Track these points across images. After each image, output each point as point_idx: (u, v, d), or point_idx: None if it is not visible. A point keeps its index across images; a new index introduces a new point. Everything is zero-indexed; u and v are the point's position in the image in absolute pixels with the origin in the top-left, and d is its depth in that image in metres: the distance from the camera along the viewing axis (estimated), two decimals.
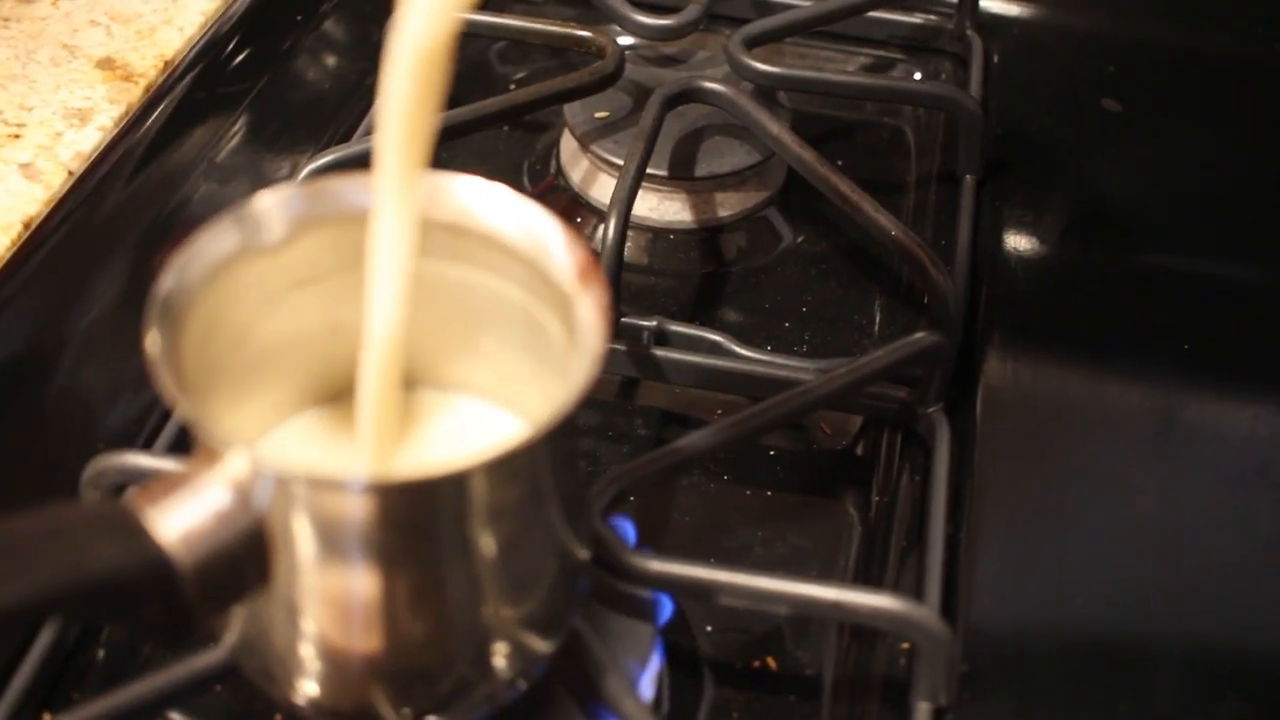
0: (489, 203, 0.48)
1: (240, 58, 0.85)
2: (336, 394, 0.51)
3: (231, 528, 0.41)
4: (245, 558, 0.42)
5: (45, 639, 0.57)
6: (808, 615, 0.59)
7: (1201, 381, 0.71)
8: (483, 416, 0.52)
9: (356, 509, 0.41)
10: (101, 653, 0.58)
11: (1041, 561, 0.62)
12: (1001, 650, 0.59)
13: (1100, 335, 0.73)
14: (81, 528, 0.40)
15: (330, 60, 0.90)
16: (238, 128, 0.81)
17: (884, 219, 0.69)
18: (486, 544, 0.43)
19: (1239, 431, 0.69)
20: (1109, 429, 0.68)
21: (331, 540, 0.42)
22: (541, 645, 0.48)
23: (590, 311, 0.45)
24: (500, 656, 0.47)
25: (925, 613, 0.54)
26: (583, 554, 0.50)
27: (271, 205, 0.47)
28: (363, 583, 0.42)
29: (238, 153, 0.80)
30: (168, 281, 0.44)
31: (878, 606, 0.54)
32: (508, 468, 0.42)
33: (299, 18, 0.90)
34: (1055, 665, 0.58)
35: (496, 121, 0.77)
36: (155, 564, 0.40)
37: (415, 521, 0.42)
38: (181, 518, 0.41)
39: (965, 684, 0.57)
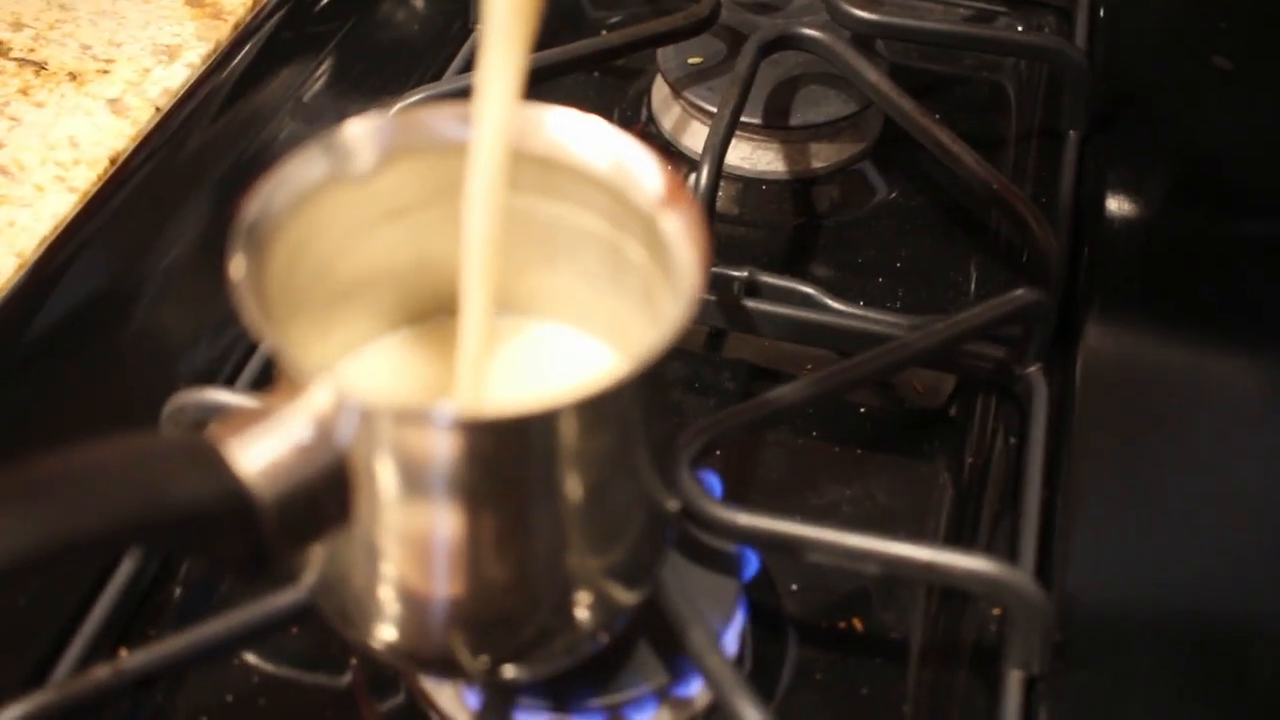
0: (581, 135, 0.46)
1: None
2: (420, 319, 0.50)
3: (313, 462, 0.40)
4: (326, 493, 0.41)
5: (123, 574, 0.56)
6: (898, 576, 0.57)
7: None
8: (574, 345, 0.51)
9: (443, 445, 0.39)
10: (178, 590, 0.58)
11: (1140, 531, 0.60)
12: (1096, 621, 0.57)
13: (1205, 301, 0.70)
14: (161, 458, 0.39)
15: (419, 2, 0.89)
16: (324, 68, 0.80)
17: (984, 171, 0.67)
18: (574, 486, 0.42)
19: None
20: (1212, 398, 0.66)
21: (415, 477, 0.40)
22: (625, 596, 0.47)
23: (686, 250, 0.43)
24: (583, 606, 0.45)
25: (1020, 577, 0.53)
26: (670, 504, 0.48)
27: (361, 134, 0.46)
28: (446, 522, 0.41)
29: (324, 93, 0.79)
30: (253, 208, 0.43)
31: (972, 569, 0.52)
32: (600, 406, 0.40)
33: None
34: (1151, 638, 0.56)
35: (588, 64, 0.75)
36: (234, 496, 0.39)
37: (503, 460, 0.40)
38: (262, 451, 0.40)
39: (1059, 653, 0.55)
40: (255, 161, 0.74)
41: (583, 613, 0.45)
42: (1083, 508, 0.60)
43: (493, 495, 0.41)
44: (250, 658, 0.55)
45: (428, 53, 0.85)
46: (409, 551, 0.42)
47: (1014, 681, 0.54)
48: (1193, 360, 0.68)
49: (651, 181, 0.45)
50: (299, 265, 0.44)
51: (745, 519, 0.53)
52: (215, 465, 0.39)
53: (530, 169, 0.47)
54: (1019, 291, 0.63)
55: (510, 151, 0.43)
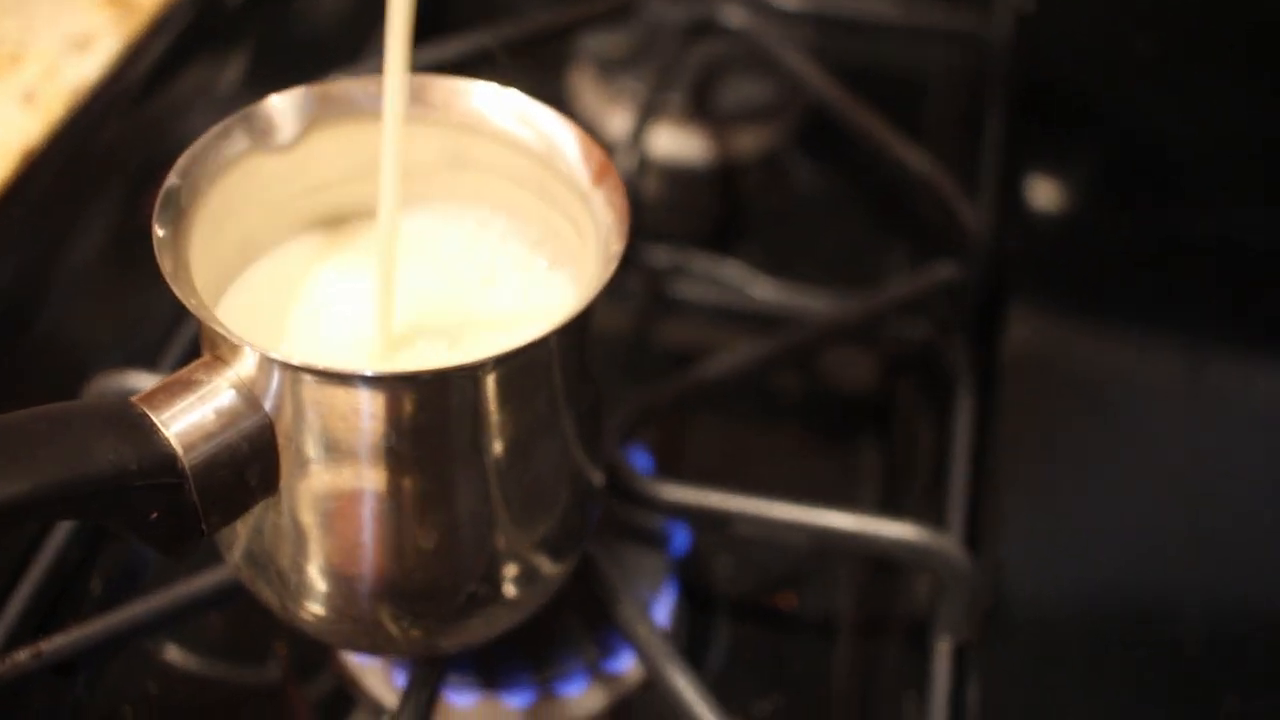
0: (503, 107, 0.46)
1: None
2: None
3: (237, 426, 0.40)
4: (251, 459, 0.40)
5: (41, 564, 0.55)
6: (827, 547, 0.57)
7: (1231, 336, 0.69)
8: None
9: (366, 403, 0.39)
10: (99, 579, 0.57)
11: (1064, 507, 0.61)
12: (1024, 590, 0.57)
13: (1131, 285, 0.71)
14: (84, 423, 0.38)
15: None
16: (239, 59, 0.79)
17: (908, 152, 0.67)
18: (498, 449, 0.42)
19: (1268, 387, 0.67)
20: (1137, 381, 0.67)
21: (340, 439, 0.40)
22: (552, 567, 0.46)
23: (608, 212, 0.43)
24: (510, 575, 0.45)
25: (948, 542, 0.53)
26: (597, 477, 0.48)
27: (282, 107, 0.45)
28: (371, 486, 0.41)
29: (239, 84, 0.78)
30: (175, 177, 0.42)
31: (900, 536, 0.52)
32: (522, 364, 0.40)
33: None
34: (1077, 610, 0.57)
35: (509, 51, 0.75)
36: (161, 460, 0.38)
37: (424, 418, 0.40)
38: (186, 416, 0.39)
39: (989, 621, 0.55)
40: (170, 155, 0.73)
41: (510, 582, 0.45)
42: (1010, 483, 0.60)
43: (416, 455, 0.41)
44: (175, 649, 0.55)
45: (343, 42, 0.84)
46: (335, 519, 0.42)
47: (944, 650, 0.54)
48: (1117, 345, 0.68)
49: (572, 149, 0.45)
50: (221, 236, 0.44)
51: (673, 492, 0.53)
52: (141, 429, 0.38)
53: (452, 139, 0.46)
54: (939, 266, 0.63)
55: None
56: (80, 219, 0.68)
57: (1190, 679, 0.55)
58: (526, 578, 0.45)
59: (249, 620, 0.55)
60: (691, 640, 0.56)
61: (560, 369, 0.42)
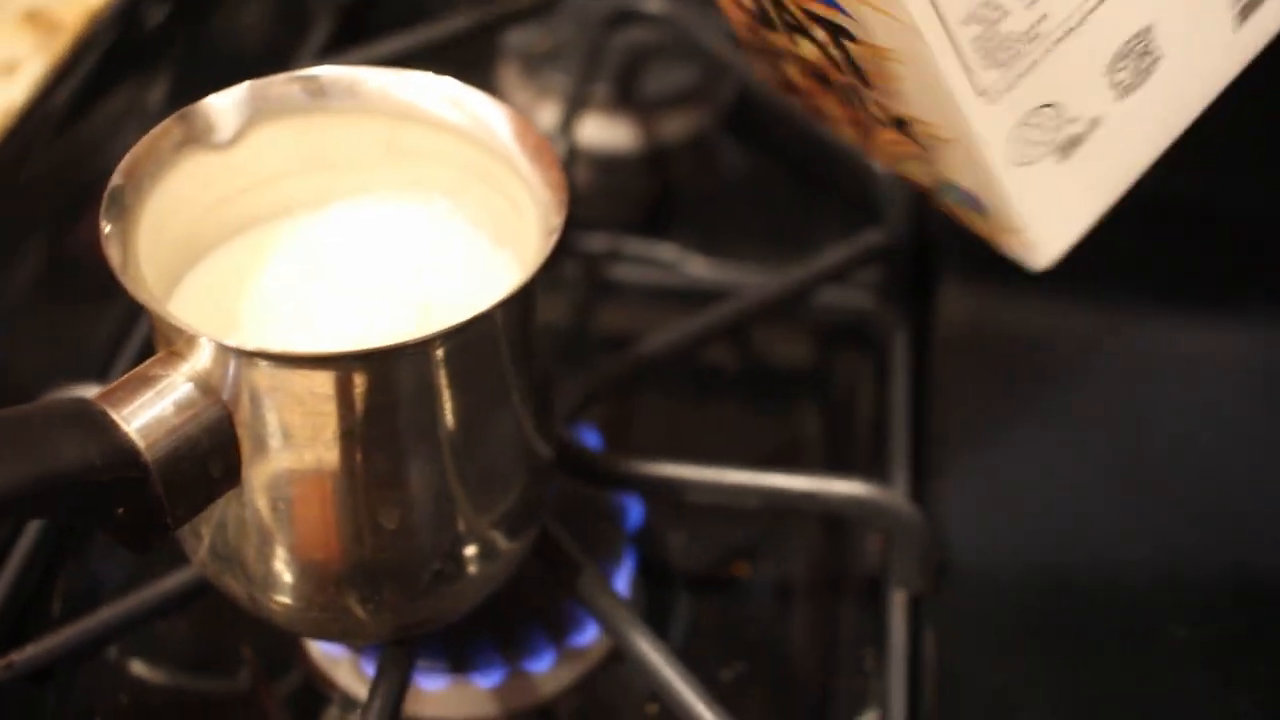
0: (436, 94, 0.48)
1: (167, 6, 0.83)
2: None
3: (197, 419, 0.40)
4: (213, 451, 0.41)
5: (7, 575, 0.55)
6: (778, 507, 0.58)
7: (1160, 295, 0.71)
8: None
9: (319, 384, 0.40)
10: (63, 593, 0.57)
11: (1005, 460, 0.62)
12: (971, 544, 0.59)
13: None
14: (46, 422, 0.39)
15: (257, 10, 0.89)
16: (165, 76, 0.80)
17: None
18: (452, 425, 0.43)
19: (1195, 343, 0.69)
20: (1067, 340, 0.68)
21: (296, 425, 0.41)
22: (511, 543, 0.47)
23: (545, 189, 0.44)
24: (472, 553, 0.46)
25: (895, 496, 0.54)
26: (549, 454, 0.49)
27: (221, 105, 0.46)
28: (330, 468, 0.42)
29: (167, 104, 0.79)
30: (118, 176, 0.43)
31: (849, 493, 0.54)
32: (469, 337, 0.41)
33: None
34: (1024, 556, 0.59)
35: (432, 51, 0.76)
36: (122, 455, 0.39)
37: (378, 396, 0.41)
38: (146, 411, 0.40)
39: (939, 573, 0.57)
40: (102, 176, 0.73)
41: (472, 558, 0.46)
42: (947, 441, 0.62)
43: (372, 435, 0.42)
44: (145, 657, 0.55)
45: (268, 60, 0.84)
46: (297, 505, 0.43)
47: (899, 602, 0.55)
48: (1045, 301, 0.70)
49: (505, 130, 0.46)
50: (166, 235, 0.45)
51: (623, 464, 0.54)
52: (102, 425, 0.39)
53: (388, 130, 0.48)
54: (865, 234, 0.64)
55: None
56: (12, 245, 0.68)
57: (1133, 613, 0.57)
58: (488, 554, 0.46)
59: (217, 625, 0.55)
60: (651, 614, 0.57)
61: (507, 344, 0.44)
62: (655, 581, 0.58)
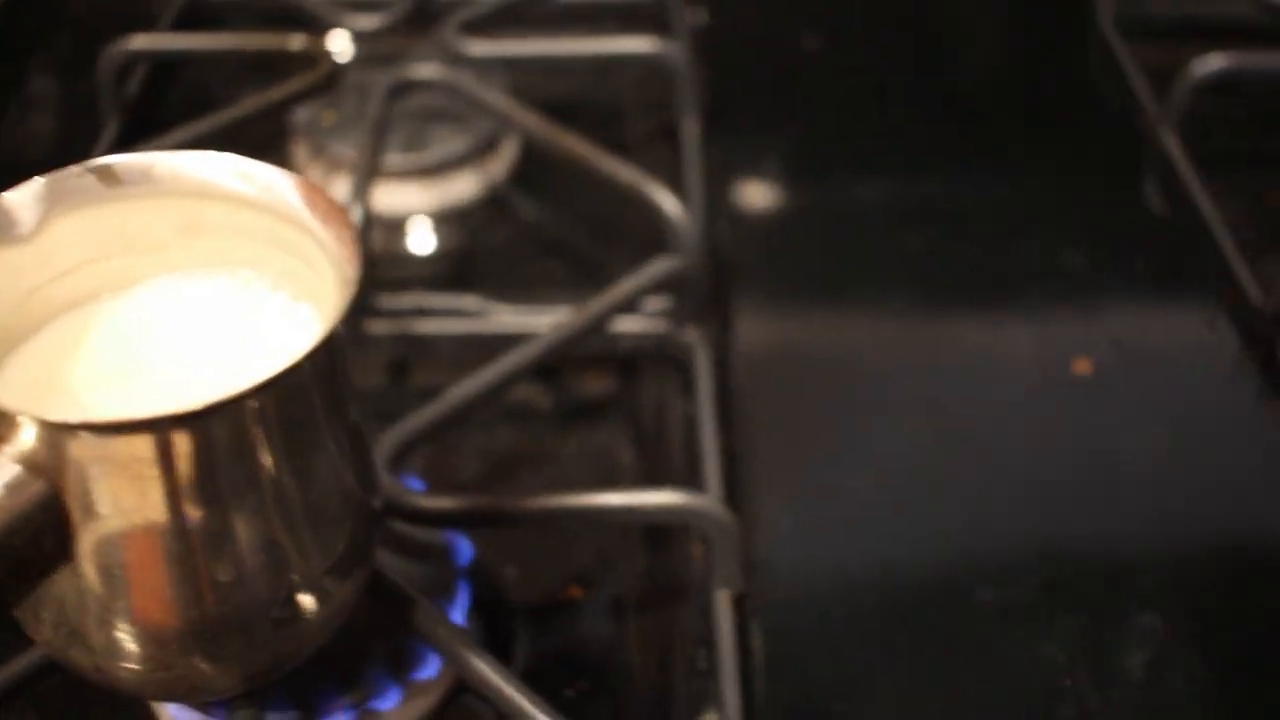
0: (224, 169, 0.50)
1: None
2: None
3: (25, 497, 0.42)
4: (45, 527, 0.42)
5: None
6: (601, 524, 0.61)
7: (939, 301, 0.76)
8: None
9: (140, 449, 0.42)
10: None
11: (812, 466, 0.67)
12: (789, 539, 0.62)
13: (842, 264, 0.78)
14: None
15: (46, 112, 0.90)
16: None
17: (612, 164, 0.72)
18: (274, 476, 0.45)
19: (987, 340, 0.74)
20: (861, 349, 0.73)
21: (122, 492, 0.42)
22: (344, 585, 0.49)
23: (339, 246, 0.46)
24: (307, 598, 0.48)
25: (708, 501, 0.57)
26: (373, 500, 0.51)
27: (18, 200, 0.48)
28: (159, 530, 0.43)
29: None
30: None
31: (666, 503, 0.57)
32: (281, 389, 0.43)
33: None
34: (835, 553, 0.63)
35: (223, 136, 0.78)
36: None
37: (199, 455, 0.43)
38: None
39: (759, 573, 0.60)
40: None
41: (308, 604, 0.48)
42: (754, 449, 0.66)
43: (196, 493, 0.43)
44: None
45: (64, 161, 0.85)
46: (132, 570, 0.44)
47: (723, 601, 0.58)
48: (837, 318, 0.75)
49: (294, 196, 0.48)
50: None
51: (448, 503, 0.57)
52: None
53: (183, 210, 0.50)
54: (656, 260, 0.68)
55: None
56: None
57: (944, 584, 0.62)
58: (323, 597, 0.48)
59: (66, 706, 0.56)
60: (494, 644, 0.59)
61: (320, 394, 0.46)
62: (494, 614, 0.60)
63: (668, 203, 0.70)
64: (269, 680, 0.50)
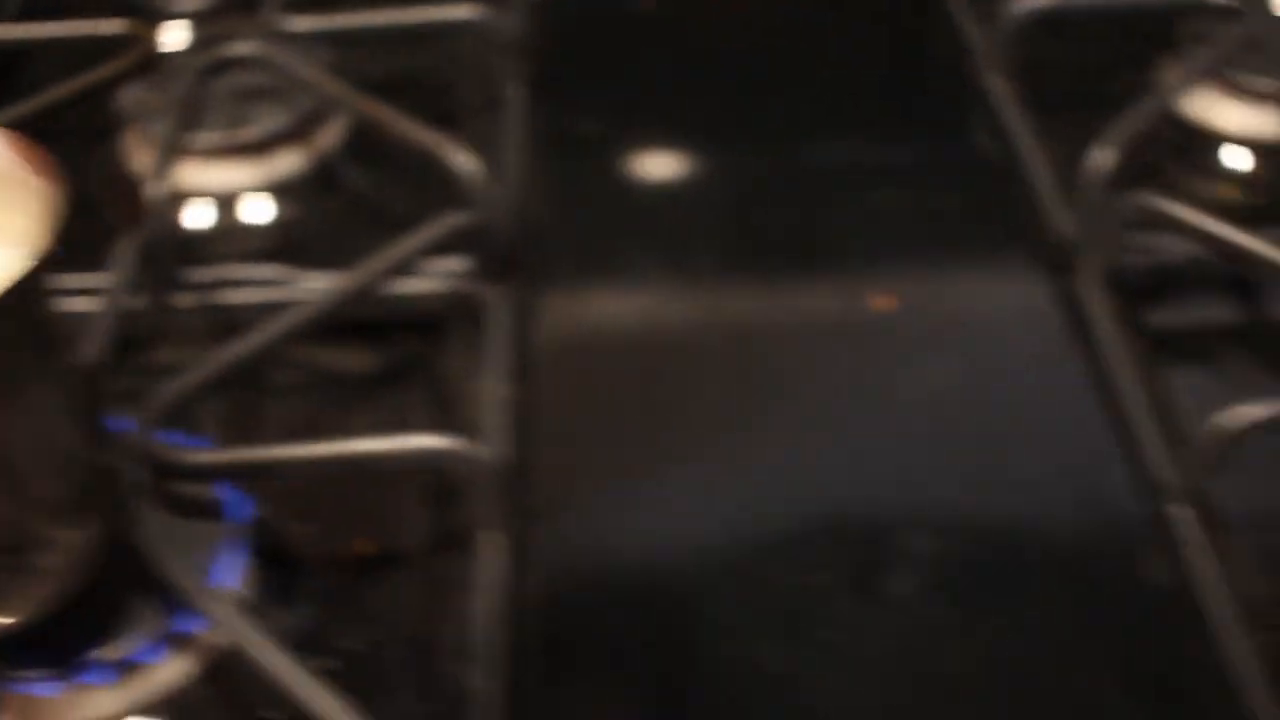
0: None
1: None
2: None
3: None
4: None
5: None
6: (366, 471, 0.61)
7: (745, 261, 0.76)
8: None
9: None
10: None
11: (608, 430, 0.67)
12: (573, 490, 0.63)
13: (654, 229, 0.78)
14: None
15: None
16: None
17: (411, 128, 0.73)
18: None
19: (787, 314, 0.74)
20: (669, 321, 0.74)
21: None
22: (70, 534, 0.50)
23: (50, 194, 0.47)
24: (31, 545, 0.48)
25: (468, 445, 0.58)
26: (96, 448, 0.51)
27: None
28: None
29: None
30: None
31: (425, 446, 0.58)
32: None
33: None
34: (621, 509, 0.64)
35: (45, 119, 0.78)
36: None
37: None
38: None
39: (542, 525, 0.61)
40: None
41: (30, 550, 0.48)
42: (548, 411, 0.66)
43: None
44: None
45: None
46: None
47: (486, 541, 0.59)
48: (645, 284, 0.75)
49: (4, 152, 0.49)
50: None
51: (207, 457, 0.57)
52: None
53: None
54: (446, 216, 0.68)
55: None
56: None
57: (740, 563, 0.62)
58: (45, 545, 0.49)
59: None
60: (278, 603, 0.60)
61: (18, 344, 0.46)
62: (275, 570, 0.61)
63: (459, 158, 0.70)
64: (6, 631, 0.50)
